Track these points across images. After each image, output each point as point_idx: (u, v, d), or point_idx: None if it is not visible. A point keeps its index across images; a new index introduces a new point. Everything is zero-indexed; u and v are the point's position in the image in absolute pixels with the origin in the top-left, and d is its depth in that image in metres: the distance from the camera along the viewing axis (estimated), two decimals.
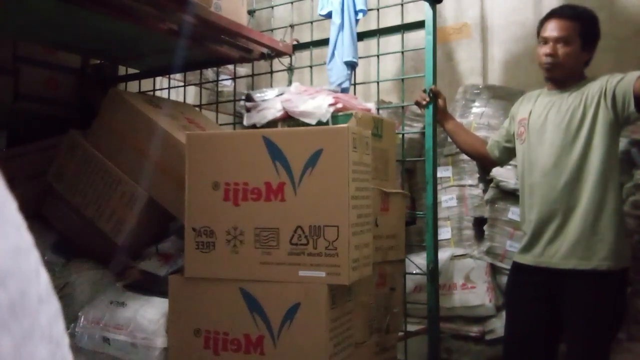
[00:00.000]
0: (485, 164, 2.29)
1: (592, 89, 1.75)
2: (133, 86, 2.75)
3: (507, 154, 2.05)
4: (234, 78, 2.69)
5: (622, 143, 2.07)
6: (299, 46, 2.44)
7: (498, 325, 2.25)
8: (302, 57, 2.55)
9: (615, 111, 1.71)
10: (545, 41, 1.81)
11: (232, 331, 1.44)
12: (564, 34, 1.78)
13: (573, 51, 1.79)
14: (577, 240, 1.71)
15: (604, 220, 1.70)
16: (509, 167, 2.23)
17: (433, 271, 1.95)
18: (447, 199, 2.58)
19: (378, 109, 2.13)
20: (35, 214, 2.11)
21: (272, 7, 2.64)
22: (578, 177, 1.73)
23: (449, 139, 2.34)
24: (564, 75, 1.81)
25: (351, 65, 2.18)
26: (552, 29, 1.80)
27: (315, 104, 1.76)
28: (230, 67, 2.66)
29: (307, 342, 1.36)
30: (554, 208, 1.76)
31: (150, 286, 1.77)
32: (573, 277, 1.72)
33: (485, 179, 2.51)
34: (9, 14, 1.88)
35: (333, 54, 2.19)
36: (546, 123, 1.81)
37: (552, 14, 1.84)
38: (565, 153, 1.75)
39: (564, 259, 1.73)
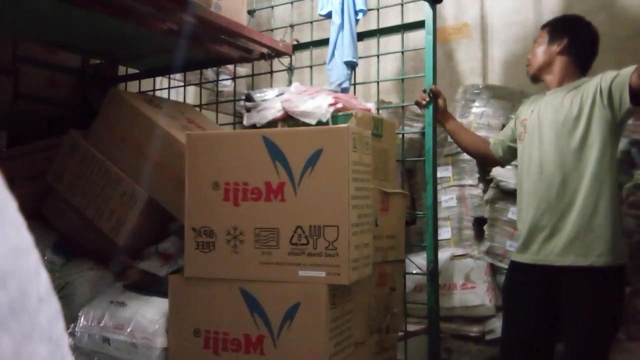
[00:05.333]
0: (487, 163, 2.30)
1: (588, 87, 1.77)
2: (133, 86, 2.74)
3: (511, 154, 2.06)
4: (234, 78, 2.69)
5: (622, 143, 2.07)
6: (299, 46, 2.43)
7: (498, 325, 2.25)
8: (302, 57, 2.55)
9: (611, 108, 1.72)
10: None
11: (232, 331, 1.44)
12: (537, 39, 1.98)
13: (540, 48, 1.94)
14: (574, 237, 1.72)
15: (600, 216, 1.71)
16: (509, 167, 2.23)
17: (433, 271, 1.95)
18: (447, 199, 2.58)
19: (378, 109, 2.13)
20: (35, 214, 2.11)
21: (272, 7, 2.64)
22: (574, 175, 1.74)
23: (449, 139, 2.34)
24: (534, 72, 1.96)
25: (351, 65, 2.18)
26: None
27: (315, 104, 1.75)
28: (230, 67, 2.66)
29: (307, 342, 1.36)
30: (551, 206, 1.77)
31: (150, 286, 1.77)
32: (570, 275, 1.73)
33: (485, 179, 2.51)
34: (9, 14, 1.88)
35: (333, 54, 2.18)
36: (543, 122, 1.83)
37: None
38: (561, 151, 1.76)
39: (560, 256, 1.74)
